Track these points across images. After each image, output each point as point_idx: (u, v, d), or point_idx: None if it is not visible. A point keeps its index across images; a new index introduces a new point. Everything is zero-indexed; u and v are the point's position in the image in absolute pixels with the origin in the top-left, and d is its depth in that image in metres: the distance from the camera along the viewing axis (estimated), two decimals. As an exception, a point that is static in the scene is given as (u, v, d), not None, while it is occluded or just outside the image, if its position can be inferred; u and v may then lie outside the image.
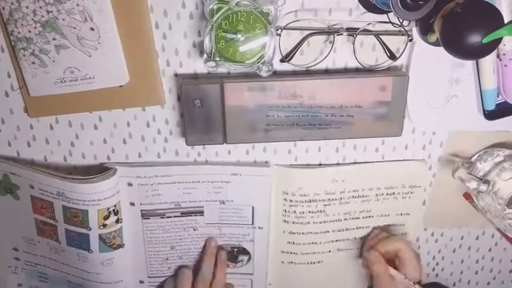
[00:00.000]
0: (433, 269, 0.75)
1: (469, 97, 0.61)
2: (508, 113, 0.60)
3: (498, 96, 0.59)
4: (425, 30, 0.55)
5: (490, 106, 0.59)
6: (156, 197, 0.64)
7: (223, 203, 0.66)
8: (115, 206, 0.63)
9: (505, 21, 0.48)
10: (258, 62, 0.54)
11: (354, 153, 0.65)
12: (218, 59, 0.53)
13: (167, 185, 0.64)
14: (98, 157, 0.63)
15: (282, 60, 0.57)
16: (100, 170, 0.62)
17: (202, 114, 0.58)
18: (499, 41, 0.47)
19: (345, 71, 0.59)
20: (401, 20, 0.54)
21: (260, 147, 0.63)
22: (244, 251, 0.70)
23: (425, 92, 0.60)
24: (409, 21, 0.55)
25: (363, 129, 0.60)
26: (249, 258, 0.70)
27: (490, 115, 0.60)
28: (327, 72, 0.59)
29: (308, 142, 0.63)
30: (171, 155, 0.63)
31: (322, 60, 0.57)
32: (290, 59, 0.57)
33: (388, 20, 0.55)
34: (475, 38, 0.46)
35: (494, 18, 0.47)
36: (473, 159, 0.64)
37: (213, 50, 0.53)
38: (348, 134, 0.61)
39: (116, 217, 0.64)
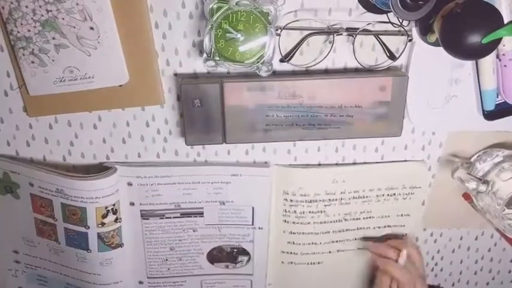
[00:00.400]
0: (432, 269, 0.75)
1: (468, 97, 0.61)
2: (507, 113, 0.61)
3: (497, 97, 0.59)
4: (425, 31, 0.55)
5: (490, 106, 0.59)
6: (156, 198, 0.64)
7: (223, 203, 0.66)
8: (114, 205, 0.63)
9: (505, 22, 0.48)
10: (258, 62, 0.54)
11: (354, 153, 0.65)
12: (218, 58, 0.53)
13: (167, 185, 0.64)
14: (97, 157, 0.63)
15: (281, 60, 0.57)
16: (100, 170, 0.62)
17: (201, 114, 0.58)
18: (498, 41, 0.47)
19: (345, 71, 0.59)
20: (401, 20, 0.54)
21: (259, 147, 0.63)
22: (244, 252, 0.70)
23: (424, 92, 0.60)
24: (409, 21, 0.55)
25: (363, 129, 0.60)
26: (249, 259, 0.70)
27: (489, 115, 0.60)
28: (327, 72, 0.59)
29: (307, 142, 0.63)
30: (170, 154, 0.63)
31: (321, 60, 0.57)
32: (290, 59, 0.57)
33: (388, 20, 0.55)
34: (474, 38, 0.47)
35: (494, 19, 0.47)
36: (472, 159, 0.64)
37: (213, 50, 0.53)
38: (347, 134, 0.61)
39: (115, 216, 0.63)
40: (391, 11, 0.48)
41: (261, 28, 0.53)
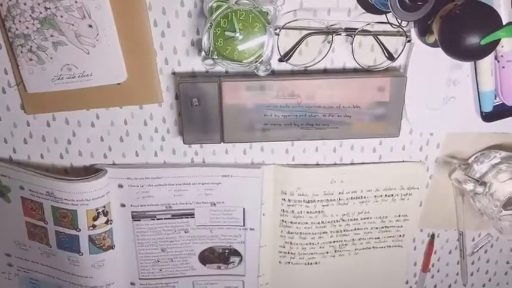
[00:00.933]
0: (429, 270, 0.75)
1: (466, 98, 0.61)
2: (505, 114, 0.61)
3: (495, 98, 0.59)
4: (423, 31, 0.55)
5: (488, 108, 0.59)
6: (147, 199, 0.64)
7: (214, 204, 0.65)
8: (104, 207, 0.62)
9: (503, 23, 0.48)
10: (256, 62, 0.54)
11: (351, 154, 0.65)
12: (216, 57, 0.53)
13: (158, 186, 0.63)
14: (94, 155, 0.63)
15: (280, 60, 0.57)
16: (94, 172, 0.62)
17: (199, 113, 0.58)
18: (497, 42, 0.48)
19: (343, 71, 0.59)
20: (399, 21, 0.54)
21: (257, 147, 0.63)
22: (236, 253, 0.69)
23: (423, 93, 0.60)
24: (408, 22, 0.55)
25: (361, 130, 0.60)
26: (241, 260, 0.70)
27: (487, 117, 0.61)
28: (325, 72, 0.59)
29: (305, 142, 0.63)
30: (168, 153, 0.63)
31: (320, 60, 0.57)
32: (288, 59, 0.57)
33: (387, 21, 0.55)
34: (473, 40, 0.47)
35: (492, 20, 0.47)
36: (470, 160, 0.64)
37: (211, 48, 0.53)
38: (345, 134, 0.61)
39: (106, 218, 0.63)
40: (390, 12, 0.48)
41: (260, 27, 0.53)
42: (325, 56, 0.57)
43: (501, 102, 0.59)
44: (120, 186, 0.63)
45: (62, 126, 0.61)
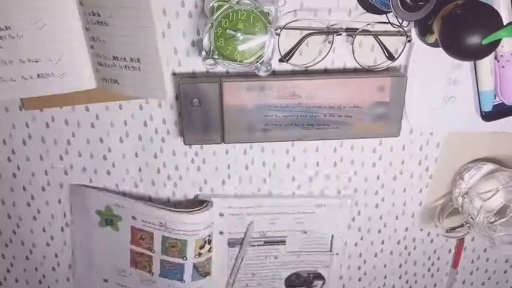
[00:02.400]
0: (429, 270, 0.75)
1: (466, 98, 0.61)
2: (505, 114, 0.61)
3: (495, 98, 0.59)
4: (424, 31, 0.55)
5: (487, 107, 0.60)
6: (244, 227, 0.66)
7: (305, 232, 0.67)
8: (209, 235, 0.64)
9: (504, 23, 0.48)
10: (257, 62, 0.54)
11: (352, 154, 0.65)
12: (217, 57, 0.53)
13: (256, 215, 0.65)
14: (94, 156, 0.62)
15: (281, 60, 0.57)
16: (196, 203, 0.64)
17: (200, 114, 0.58)
18: (498, 42, 0.48)
19: (344, 71, 0.59)
20: (400, 21, 0.54)
21: (258, 147, 0.63)
22: (320, 276, 0.71)
23: (423, 92, 0.60)
24: (409, 22, 0.55)
25: (361, 130, 0.60)
26: (323, 283, 0.72)
27: (487, 116, 0.61)
28: (326, 72, 0.59)
29: (306, 142, 0.63)
30: (168, 154, 0.63)
31: (321, 60, 0.57)
32: (289, 59, 0.57)
33: (387, 21, 0.55)
34: (474, 39, 0.47)
35: (493, 20, 0.47)
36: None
37: (212, 48, 0.53)
38: (346, 135, 0.61)
39: (209, 246, 0.65)
40: (391, 12, 0.48)
41: (261, 28, 0.52)
42: (325, 56, 0.57)
43: (501, 101, 0.60)
44: (221, 215, 0.65)
45: (61, 127, 0.61)
